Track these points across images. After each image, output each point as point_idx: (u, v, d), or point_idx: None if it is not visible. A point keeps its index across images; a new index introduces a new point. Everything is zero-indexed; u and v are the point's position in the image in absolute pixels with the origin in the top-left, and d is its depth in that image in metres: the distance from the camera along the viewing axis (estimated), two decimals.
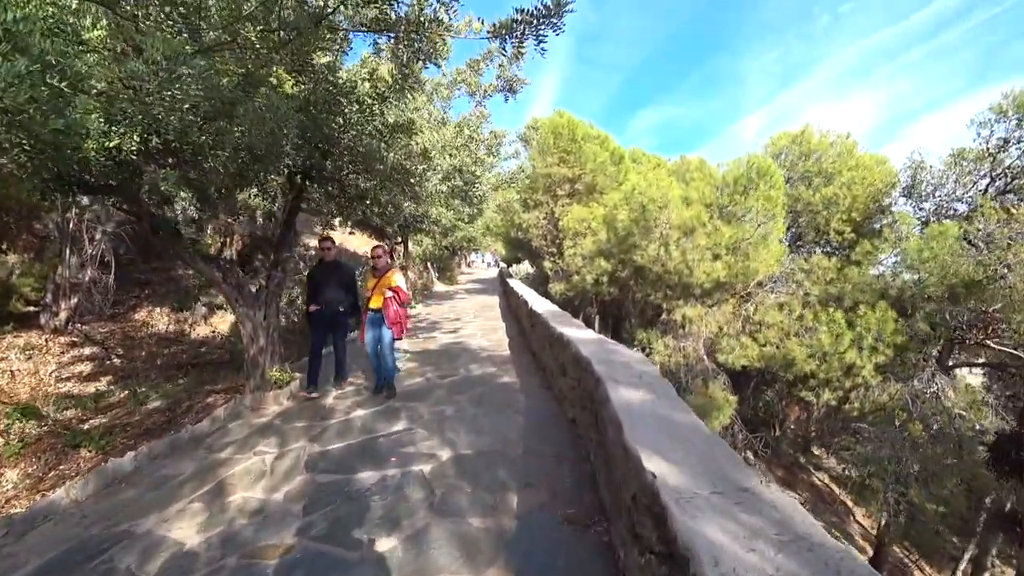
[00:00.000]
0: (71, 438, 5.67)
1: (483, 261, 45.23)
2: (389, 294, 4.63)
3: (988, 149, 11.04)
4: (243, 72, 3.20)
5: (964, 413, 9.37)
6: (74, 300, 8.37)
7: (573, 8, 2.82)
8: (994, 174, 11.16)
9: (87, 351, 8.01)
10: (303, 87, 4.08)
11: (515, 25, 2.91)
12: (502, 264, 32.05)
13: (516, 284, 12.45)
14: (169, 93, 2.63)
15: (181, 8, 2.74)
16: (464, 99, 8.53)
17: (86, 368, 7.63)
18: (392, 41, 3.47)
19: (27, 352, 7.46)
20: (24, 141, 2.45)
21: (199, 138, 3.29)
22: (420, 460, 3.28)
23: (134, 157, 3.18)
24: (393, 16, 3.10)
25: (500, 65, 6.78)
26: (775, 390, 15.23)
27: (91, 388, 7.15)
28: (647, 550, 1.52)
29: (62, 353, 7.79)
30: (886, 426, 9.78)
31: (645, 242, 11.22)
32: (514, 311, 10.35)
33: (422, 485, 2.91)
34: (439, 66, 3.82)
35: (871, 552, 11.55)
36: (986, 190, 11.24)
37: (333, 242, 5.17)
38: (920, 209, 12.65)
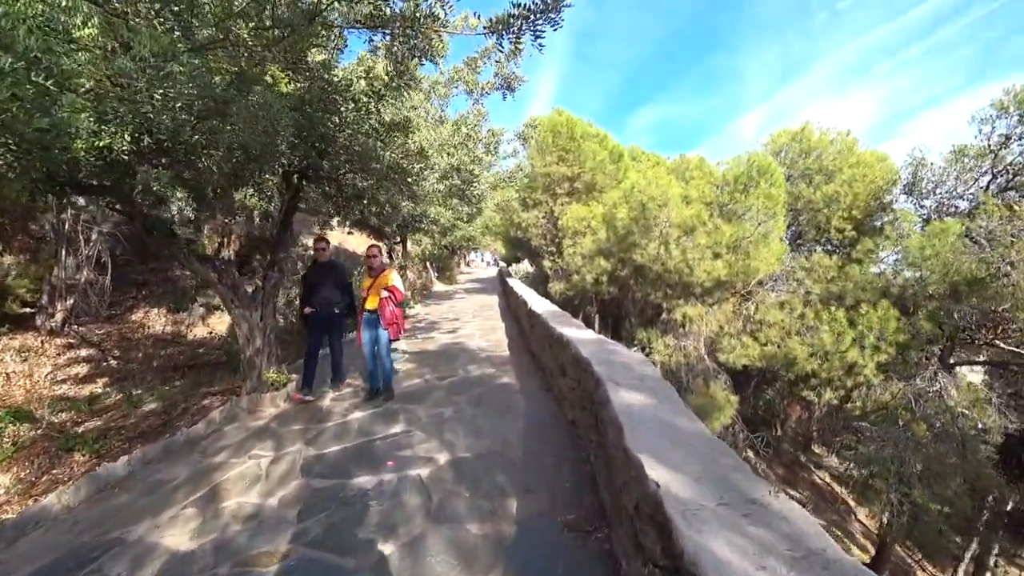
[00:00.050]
0: (65, 442, 5.61)
1: (482, 260, 45.22)
2: (385, 294, 4.57)
3: (989, 146, 10.99)
4: (236, 70, 3.14)
5: (967, 412, 9.31)
6: (70, 301, 8.31)
7: (571, 3, 2.76)
8: (996, 171, 11.11)
9: (83, 353, 7.96)
10: (298, 85, 4.02)
11: (512, 20, 2.85)
12: (501, 263, 32.01)
13: (515, 284, 12.37)
14: (160, 91, 2.57)
15: (173, 5, 2.68)
16: (462, 97, 8.50)
17: (82, 370, 7.58)
18: (388, 38, 3.41)
19: (23, 354, 7.40)
20: (8, 140, 2.39)
21: (192, 137, 3.23)
22: (418, 464, 3.22)
23: (125, 157, 3.13)
24: (388, 12, 3.04)
25: (498, 62, 6.73)
26: (776, 389, 15.17)
27: (86, 390, 7.09)
28: (651, 562, 1.46)
29: (58, 355, 7.74)
30: (889, 425, 9.72)
31: (645, 241, 11.16)
32: (513, 311, 10.28)
33: (419, 490, 2.86)
34: (436, 63, 3.77)
35: (873, 551, 11.52)
36: (988, 187, 11.19)
37: (327, 242, 5.10)
38: (921, 206, 12.59)
